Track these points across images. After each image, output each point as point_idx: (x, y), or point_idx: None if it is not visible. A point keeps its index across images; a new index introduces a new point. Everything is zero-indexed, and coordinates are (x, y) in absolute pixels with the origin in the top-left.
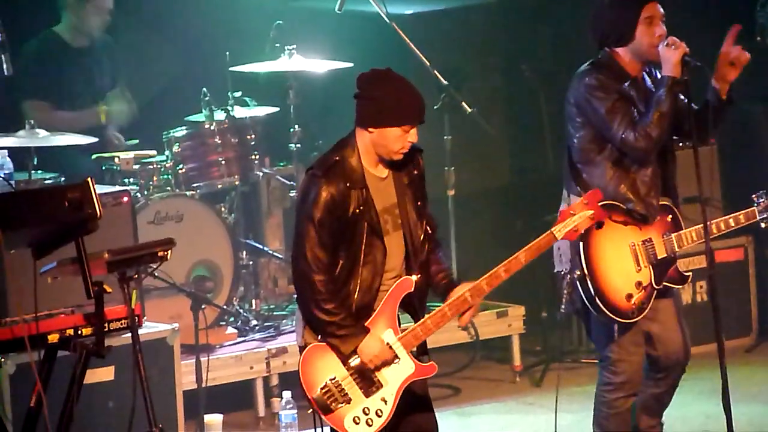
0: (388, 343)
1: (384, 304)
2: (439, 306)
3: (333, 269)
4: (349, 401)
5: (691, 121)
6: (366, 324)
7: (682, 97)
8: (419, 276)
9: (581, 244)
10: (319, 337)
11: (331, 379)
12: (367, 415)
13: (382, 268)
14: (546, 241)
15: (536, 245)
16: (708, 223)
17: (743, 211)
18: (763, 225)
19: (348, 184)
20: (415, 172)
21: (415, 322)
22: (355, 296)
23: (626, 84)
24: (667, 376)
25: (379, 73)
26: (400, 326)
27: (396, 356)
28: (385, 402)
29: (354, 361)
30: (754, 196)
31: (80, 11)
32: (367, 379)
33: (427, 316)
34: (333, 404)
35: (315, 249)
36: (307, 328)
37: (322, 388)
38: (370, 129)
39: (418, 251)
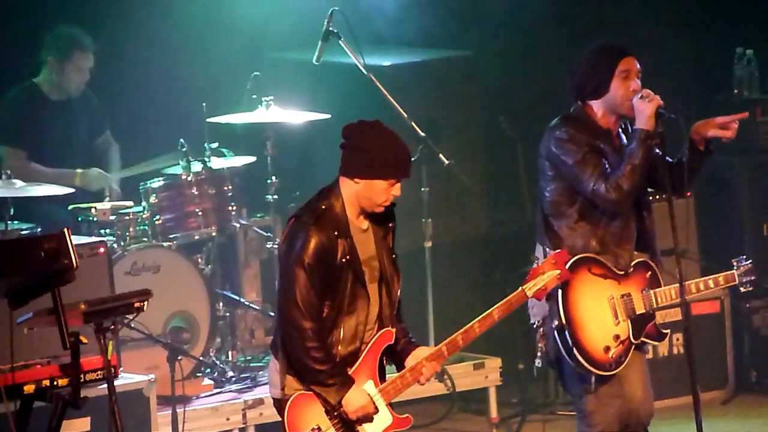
0: (369, 396)
1: (366, 356)
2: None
3: (320, 317)
4: None
5: (665, 173)
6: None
7: (657, 150)
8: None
9: (560, 294)
10: (305, 385)
11: (314, 429)
12: None
13: (366, 318)
14: (517, 298)
15: (508, 302)
16: (686, 282)
17: (722, 274)
18: (742, 289)
19: (336, 233)
20: (391, 225)
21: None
22: (339, 347)
23: (597, 137)
24: None
25: (369, 125)
26: (384, 378)
27: (376, 408)
28: None
29: (338, 412)
30: (734, 261)
31: (60, 70)
32: (349, 430)
33: (405, 369)
34: None
35: (306, 295)
36: (290, 378)
37: None
38: (357, 180)
39: (394, 304)
